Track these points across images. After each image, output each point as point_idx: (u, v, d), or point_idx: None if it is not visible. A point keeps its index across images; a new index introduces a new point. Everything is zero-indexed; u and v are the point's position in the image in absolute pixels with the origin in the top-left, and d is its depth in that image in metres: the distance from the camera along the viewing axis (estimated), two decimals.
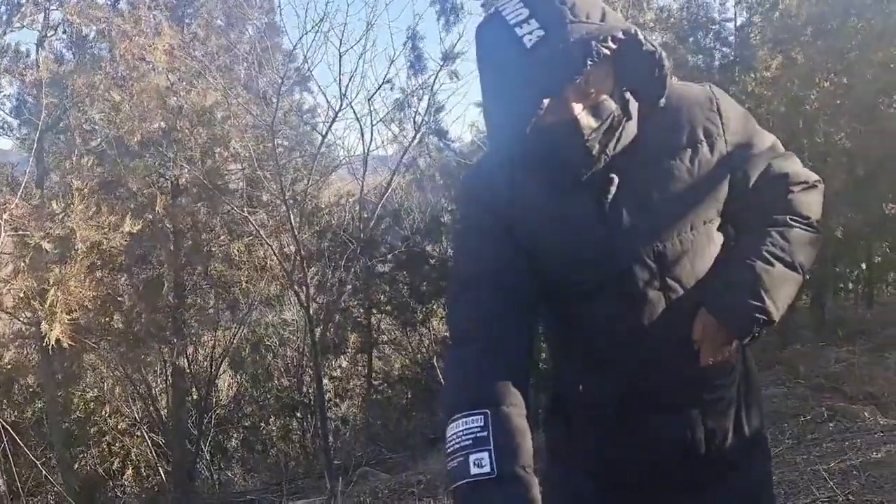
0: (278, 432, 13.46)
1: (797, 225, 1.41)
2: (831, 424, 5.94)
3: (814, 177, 1.48)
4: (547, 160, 1.31)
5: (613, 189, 1.34)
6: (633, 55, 1.26)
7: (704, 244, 1.40)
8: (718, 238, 1.44)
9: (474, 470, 1.18)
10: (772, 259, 1.37)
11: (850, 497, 3.74)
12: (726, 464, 1.48)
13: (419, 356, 13.56)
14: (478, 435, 1.20)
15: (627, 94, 1.33)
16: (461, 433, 1.22)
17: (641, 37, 1.24)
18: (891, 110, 7.97)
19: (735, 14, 9.97)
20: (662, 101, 1.34)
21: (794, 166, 1.46)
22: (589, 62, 1.17)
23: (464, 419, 1.23)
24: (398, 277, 11.34)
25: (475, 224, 1.44)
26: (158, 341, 9.74)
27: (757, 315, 1.35)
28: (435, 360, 12.91)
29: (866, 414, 6.01)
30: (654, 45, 1.26)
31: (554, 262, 1.40)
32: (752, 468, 1.53)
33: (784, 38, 8.69)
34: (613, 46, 1.19)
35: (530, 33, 1.19)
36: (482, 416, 1.22)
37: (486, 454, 1.19)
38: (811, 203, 1.45)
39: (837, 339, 9.18)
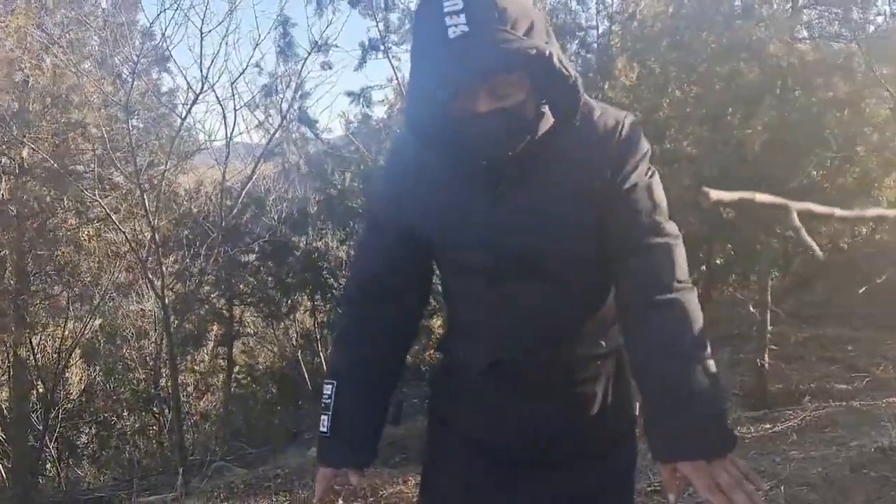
0: (132, 427, 12.86)
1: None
2: None
3: (685, 277, 1.42)
4: (450, 145, 1.39)
5: (507, 184, 1.41)
6: (551, 73, 1.32)
7: (581, 253, 1.46)
8: (593, 250, 1.46)
9: (321, 427, 1.52)
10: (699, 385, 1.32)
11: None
12: (596, 448, 1.55)
13: (286, 350, 13.33)
14: (325, 401, 1.52)
15: (544, 106, 1.39)
16: (323, 396, 1.54)
17: (556, 61, 1.29)
18: (734, 120, 8.51)
19: (597, 22, 10.38)
20: (576, 121, 1.40)
21: (674, 260, 1.41)
22: (499, 69, 1.27)
23: (326, 385, 1.54)
24: (263, 268, 11.08)
25: (391, 180, 1.58)
26: None
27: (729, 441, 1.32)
28: (300, 355, 12.73)
29: None
30: (568, 71, 1.32)
31: (442, 238, 1.51)
32: (620, 455, 1.60)
33: (641, 47, 9.13)
34: (524, 62, 1.27)
35: (456, 26, 1.25)
36: (331, 386, 1.52)
37: (326, 417, 1.51)
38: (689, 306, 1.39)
39: None
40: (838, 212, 1.37)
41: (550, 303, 1.48)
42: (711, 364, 1.33)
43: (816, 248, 1.22)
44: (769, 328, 6.50)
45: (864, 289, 6.94)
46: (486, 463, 1.57)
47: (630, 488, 1.68)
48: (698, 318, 1.36)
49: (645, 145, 1.44)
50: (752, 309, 6.59)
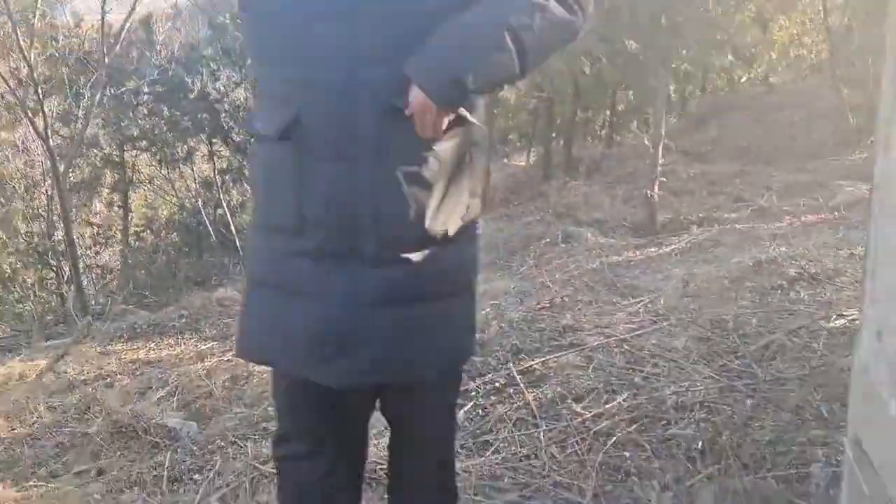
0: (30, 282, 12.47)
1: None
2: (564, 245, 6.56)
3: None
4: None
5: None
6: None
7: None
8: None
9: None
10: (507, 30, 1.31)
11: (566, 299, 4.18)
12: (422, 237, 1.40)
13: (187, 202, 12.96)
14: None
15: None
16: None
17: None
18: None
19: None
20: None
21: None
22: None
23: None
24: (155, 111, 10.50)
25: None
26: None
27: (454, 80, 1.32)
28: (201, 205, 12.41)
29: (589, 235, 6.68)
30: None
31: None
32: (453, 253, 1.47)
33: None
34: None
35: None
36: None
37: None
38: None
39: (580, 176, 10.07)
40: None
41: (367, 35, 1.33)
42: (507, 54, 1.32)
43: None
44: (660, 161, 6.69)
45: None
46: (301, 265, 1.42)
47: (468, 302, 1.55)
48: (554, 35, 1.37)
49: None
50: (646, 142, 6.76)
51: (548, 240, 6.88)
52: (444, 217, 1.42)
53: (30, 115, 7.86)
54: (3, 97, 9.07)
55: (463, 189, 1.45)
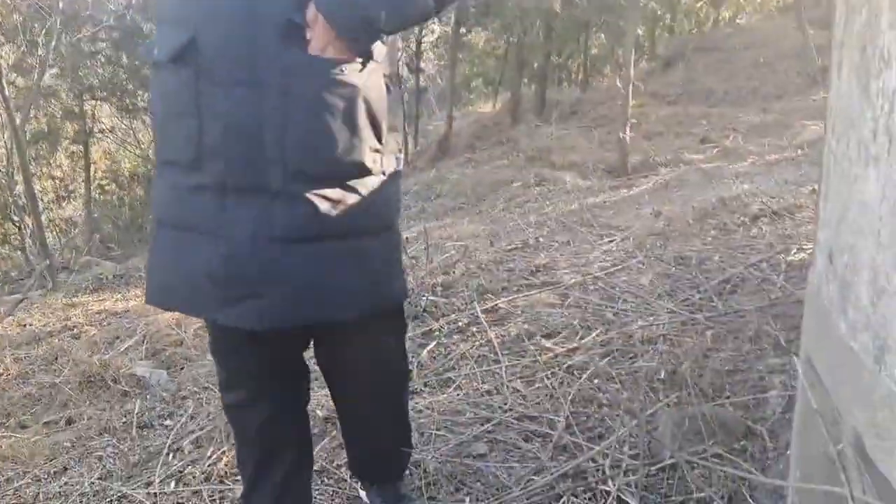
0: None
1: None
2: (538, 188, 6.56)
3: None
4: None
5: None
6: None
7: None
8: None
9: None
10: None
11: (541, 239, 4.21)
12: (334, 169, 1.33)
13: (150, 153, 12.71)
14: None
15: None
16: None
17: None
18: None
19: None
20: None
21: None
22: None
23: None
24: (114, 59, 10.21)
25: None
26: None
27: (364, 19, 1.28)
28: None
29: (567, 178, 6.71)
30: None
31: None
32: (370, 189, 1.38)
33: None
34: None
35: None
36: None
37: None
38: None
39: (554, 120, 10.05)
40: None
41: None
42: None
43: None
44: (631, 103, 6.71)
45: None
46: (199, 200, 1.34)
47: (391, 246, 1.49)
48: None
49: None
50: (617, 83, 6.75)
51: (519, 183, 6.90)
52: (358, 148, 1.34)
53: None
54: None
55: (379, 120, 1.38)
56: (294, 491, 1.68)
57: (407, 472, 1.90)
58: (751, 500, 1.61)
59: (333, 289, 1.38)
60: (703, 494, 1.66)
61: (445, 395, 2.41)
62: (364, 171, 1.36)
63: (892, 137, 0.77)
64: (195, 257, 1.35)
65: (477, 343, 2.75)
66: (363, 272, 1.41)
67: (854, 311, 0.89)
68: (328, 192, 1.32)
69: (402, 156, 1.54)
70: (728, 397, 2.04)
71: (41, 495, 2.39)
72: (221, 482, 2.14)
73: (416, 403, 2.37)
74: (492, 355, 2.63)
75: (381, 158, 1.40)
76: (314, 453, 2.09)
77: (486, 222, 5.30)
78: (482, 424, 2.17)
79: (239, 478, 1.90)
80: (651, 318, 2.68)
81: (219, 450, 2.29)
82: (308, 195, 1.31)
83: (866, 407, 0.83)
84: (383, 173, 1.42)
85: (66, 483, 2.44)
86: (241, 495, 1.75)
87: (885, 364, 0.79)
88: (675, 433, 1.84)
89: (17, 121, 7.65)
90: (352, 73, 1.31)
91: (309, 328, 1.51)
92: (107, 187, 13.41)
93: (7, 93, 7.45)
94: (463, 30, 11.53)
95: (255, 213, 1.31)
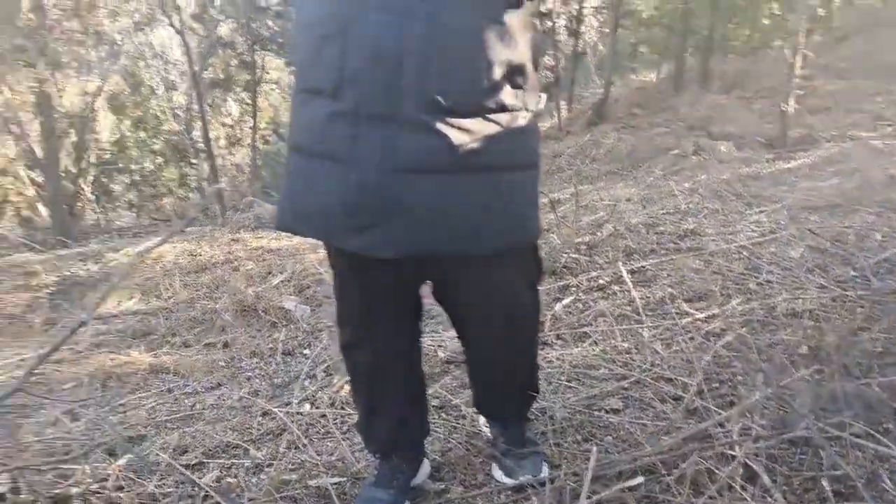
0: (169, 177, 13.27)
1: None
2: (694, 157, 6.33)
3: None
4: None
5: None
6: None
7: None
8: None
9: None
10: None
11: (691, 206, 4.09)
12: (471, 101, 1.33)
13: None
14: None
15: None
16: None
17: None
18: None
19: None
20: None
21: None
22: None
23: None
24: (284, 14, 10.65)
25: None
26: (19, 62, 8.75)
27: None
28: None
29: (723, 148, 6.41)
30: None
31: None
32: (508, 124, 1.38)
33: None
34: None
35: None
36: None
37: None
38: None
39: (717, 90, 9.56)
40: None
41: None
42: None
43: None
44: (797, 72, 6.26)
45: None
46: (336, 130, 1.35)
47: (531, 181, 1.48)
48: None
49: None
50: (785, 51, 6.32)
51: (676, 151, 6.68)
52: (500, 83, 1.33)
53: (166, 10, 8.16)
54: None
55: (524, 59, 1.37)
56: (409, 425, 1.72)
57: (533, 417, 1.94)
58: (890, 483, 1.52)
59: (467, 222, 1.36)
60: (838, 473, 1.56)
61: (580, 349, 2.42)
62: (504, 107, 1.36)
63: None
64: (328, 185, 1.37)
65: (618, 302, 2.73)
66: (501, 208, 1.39)
67: None
68: (466, 122, 1.32)
69: (545, 95, 1.53)
70: (875, 378, 1.92)
71: (197, 405, 2.63)
72: (343, 408, 2.30)
73: (547, 354, 2.40)
74: (634, 315, 2.60)
75: (523, 95, 1.40)
76: (433, 391, 2.18)
77: (641, 187, 5.19)
78: (618, 381, 2.17)
79: None
80: (797, 292, 2.56)
81: (343, 379, 2.44)
82: (438, 126, 1.29)
83: None
84: (527, 109, 1.41)
85: (219, 396, 2.69)
86: (356, 424, 1.85)
87: None
88: (812, 406, 1.75)
89: (196, 68, 8.20)
90: (501, 9, 1.32)
91: (435, 265, 1.50)
92: (269, 138, 14.09)
93: (194, 45, 7.98)
94: None
95: (383, 142, 1.30)
